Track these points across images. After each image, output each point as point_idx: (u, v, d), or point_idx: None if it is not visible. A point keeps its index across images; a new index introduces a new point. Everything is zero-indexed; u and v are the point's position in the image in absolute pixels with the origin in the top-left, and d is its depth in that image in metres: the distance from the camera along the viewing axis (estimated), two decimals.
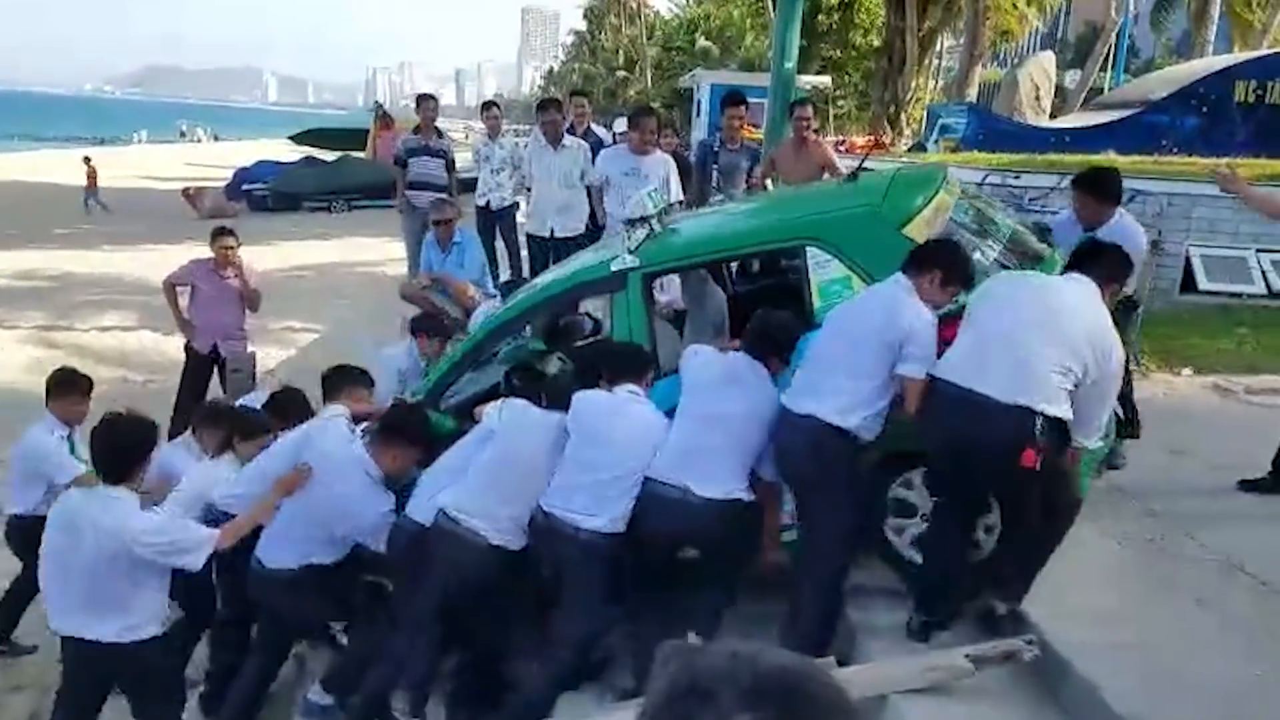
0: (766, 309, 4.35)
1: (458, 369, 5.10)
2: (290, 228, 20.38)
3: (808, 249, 4.42)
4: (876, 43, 29.63)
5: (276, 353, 9.50)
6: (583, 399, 4.26)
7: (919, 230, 4.26)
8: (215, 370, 7.40)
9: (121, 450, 3.82)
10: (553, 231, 8.55)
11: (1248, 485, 5.01)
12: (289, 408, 5.01)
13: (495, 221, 9.65)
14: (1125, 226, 4.99)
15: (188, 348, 7.46)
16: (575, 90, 11.02)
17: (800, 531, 4.13)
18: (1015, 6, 25.28)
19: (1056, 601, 3.90)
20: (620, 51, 56.57)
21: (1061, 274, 3.96)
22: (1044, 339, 3.58)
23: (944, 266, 3.90)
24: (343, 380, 4.95)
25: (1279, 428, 5.03)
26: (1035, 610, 3.87)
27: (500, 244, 9.87)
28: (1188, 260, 9.00)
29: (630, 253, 4.71)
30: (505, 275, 10.01)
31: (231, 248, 7.23)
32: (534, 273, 8.90)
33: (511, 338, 5.37)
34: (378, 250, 15.57)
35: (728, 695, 0.92)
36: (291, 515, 4.33)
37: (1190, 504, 4.76)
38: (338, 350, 8.43)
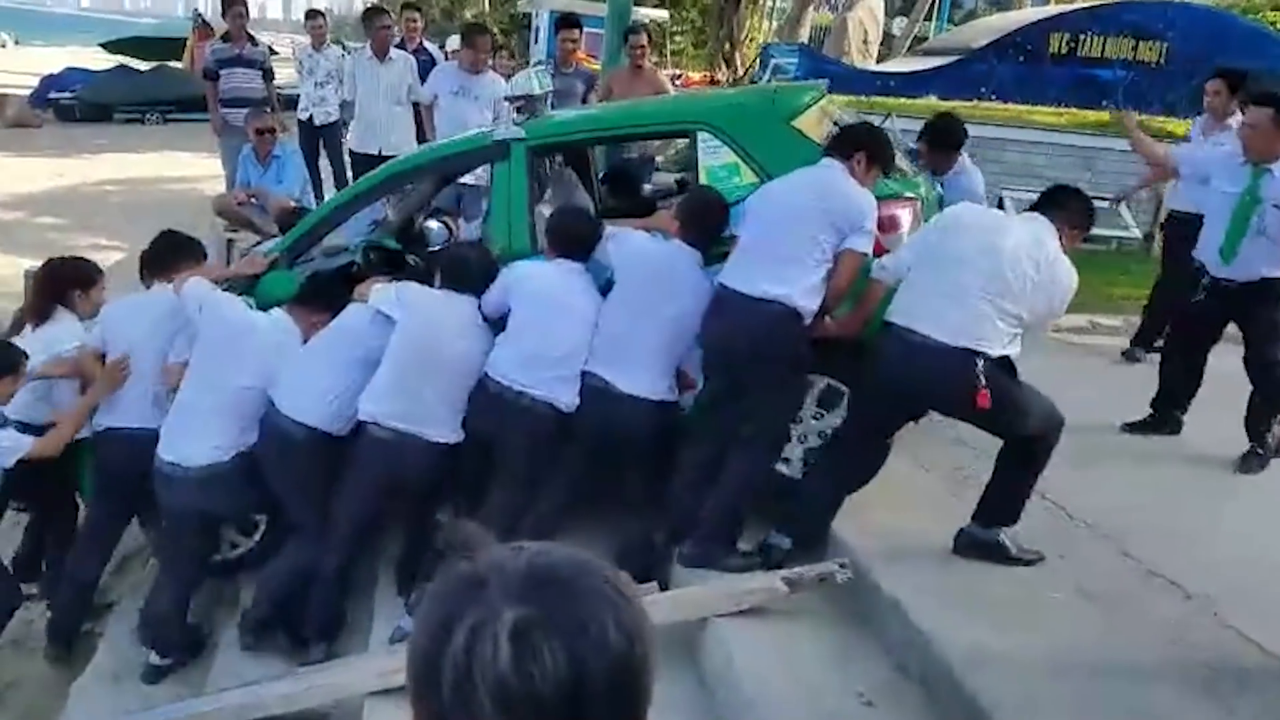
0: (696, 188, 4.34)
1: (314, 234, 4.90)
2: (99, 139, 19.07)
3: (699, 134, 4.43)
4: None
5: None
6: (530, 267, 4.19)
7: (809, 125, 4.35)
8: None
9: None
10: (380, 150, 8.21)
11: (1131, 427, 5.24)
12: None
13: (319, 137, 9.19)
14: (965, 173, 5.19)
15: None
16: (407, 3, 10.52)
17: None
18: None
19: (866, 526, 4.04)
20: None
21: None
22: (986, 282, 3.60)
23: (869, 148, 4.01)
24: (179, 253, 4.57)
25: (1090, 365, 5.29)
26: (846, 534, 4.01)
27: (325, 162, 9.43)
28: (1000, 202, 9.39)
29: (516, 124, 4.60)
30: (330, 195, 9.60)
31: None
32: None
33: (372, 225, 5.22)
34: (193, 166, 14.74)
35: (497, 585, 0.91)
36: (208, 400, 4.08)
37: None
38: None
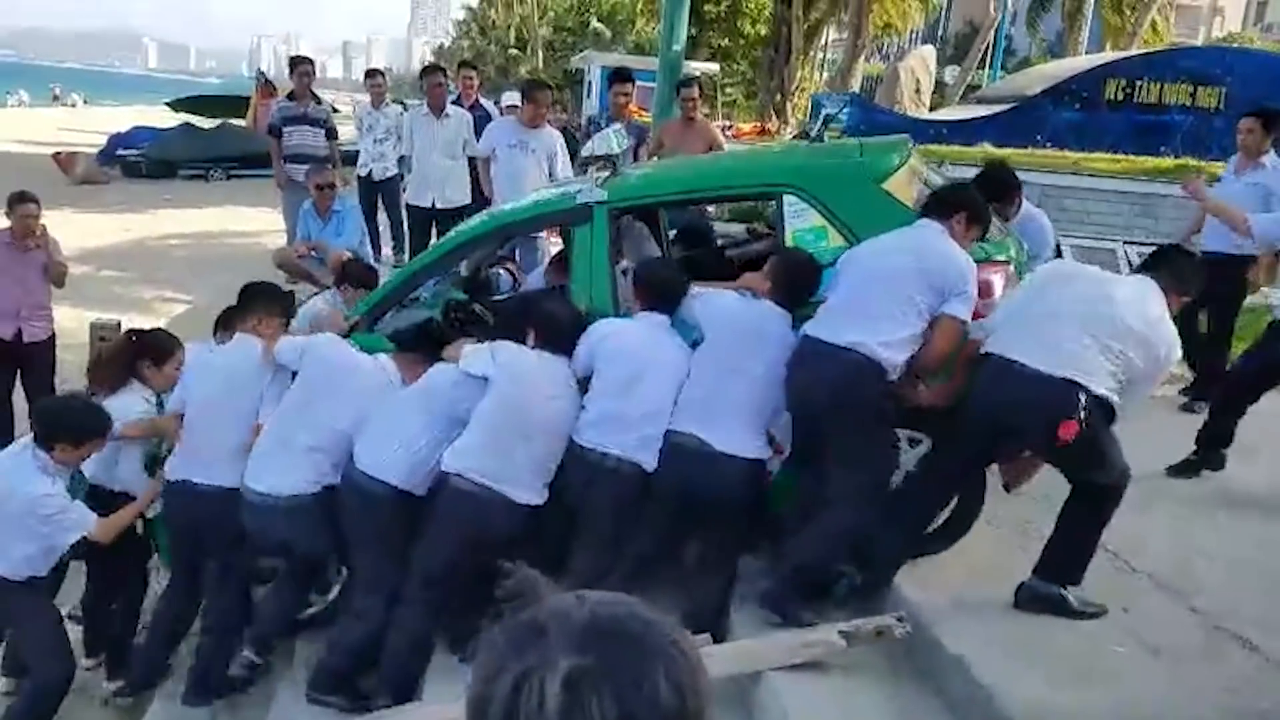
0: (788, 249, 4.26)
1: (398, 293, 4.93)
2: (164, 195, 19.56)
3: (784, 196, 4.36)
4: (764, 32, 29.89)
5: (147, 322, 9.05)
6: (612, 325, 4.17)
7: (899, 187, 4.26)
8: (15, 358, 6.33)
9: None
10: (434, 203, 8.37)
11: (1177, 470, 5.09)
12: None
13: (378, 192, 9.37)
14: (1033, 219, 5.29)
15: None
16: (463, 62, 10.75)
17: (808, 470, 4.03)
18: (897, 1, 25.80)
19: (925, 579, 3.97)
20: (511, 30, 55.93)
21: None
22: (1091, 323, 3.57)
23: (969, 209, 3.93)
24: (258, 301, 4.56)
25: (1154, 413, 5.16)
26: (906, 588, 3.94)
27: (383, 216, 9.60)
28: (1058, 250, 9.28)
29: (597, 185, 4.58)
30: (387, 249, 9.78)
31: (34, 216, 6.09)
32: (414, 245, 8.71)
33: (438, 278, 5.24)
34: (255, 220, 15.06)
35: (556, 634, 0.91)
36: (304, 438, 4.12)
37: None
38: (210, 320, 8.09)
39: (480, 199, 8.42)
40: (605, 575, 3.91)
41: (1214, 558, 4.22)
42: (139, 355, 4.65)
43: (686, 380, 4.03)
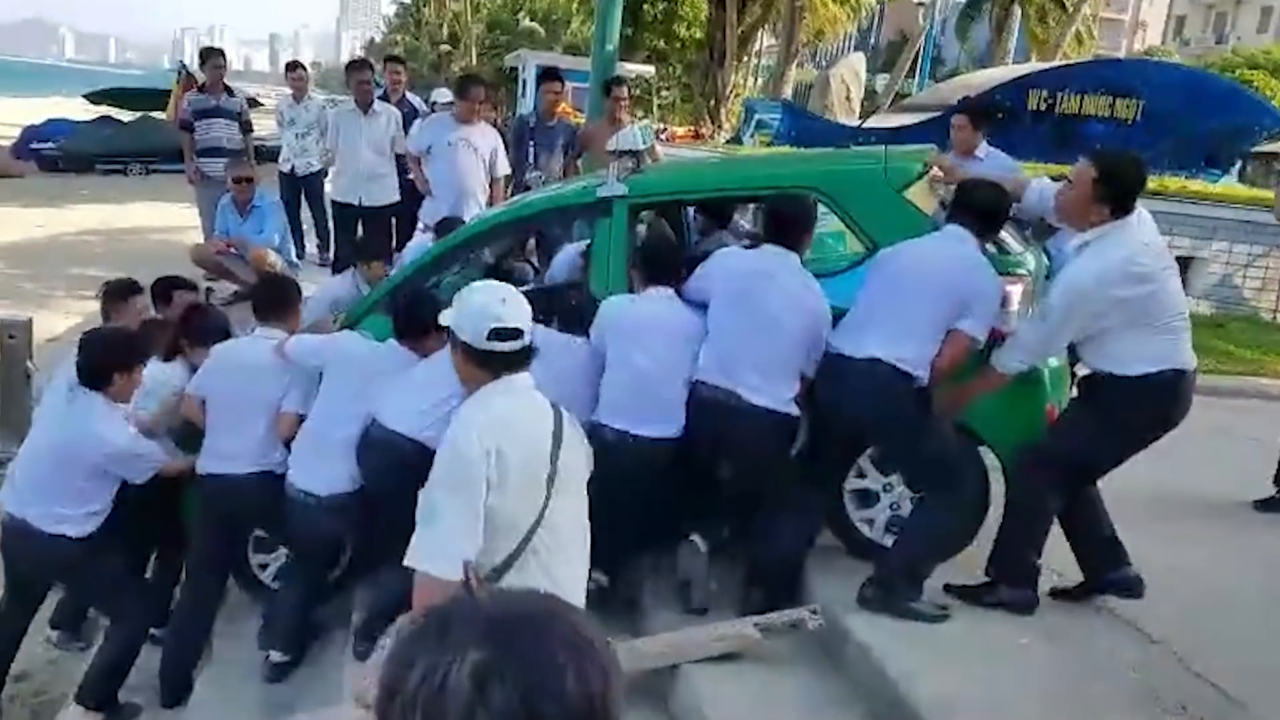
0: (778, 198, 4.27)
1: (414, 282, 4.90)
2: (81, 190, 19.12)
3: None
4: (699, 36, 30.02)
5: (62, 321, 8.81)
6: (617, 305, 4.17)
7: (919, 195, 4.26)
8: None
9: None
10: (360, 200, 8.24)
11: (1262, 505, 5.14)
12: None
13: (300, 187, 9.17)
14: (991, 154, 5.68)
15: None
16: (390, 56, 10.61)
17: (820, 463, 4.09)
18: (828, 8, 26.09)
19: (838, 573, 4.03)
20: (444, 26, 55.54)
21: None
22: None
23: (990, 213, 3.90)
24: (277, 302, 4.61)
25: None
26: (818, 581, 4.02)
27: (306, 212, 9.46)
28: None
29: (619, 180, 4.58)
30: (311, 245, 9.62)
31: None
32: (339, 243, 8.58)
33: (459, 266, 5.22)
34: (176, 216, 14.75)
35: (464, 627, 0.93)
36: (338, 432, 4.16)
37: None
38: None
39: (410, 198, 8.36)
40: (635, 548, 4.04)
41: None
42: (186, 332, 4.67)
43: (707, 339, 4.02)
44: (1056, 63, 21.41)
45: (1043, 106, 14.43)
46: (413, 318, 4.32)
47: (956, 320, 3.76)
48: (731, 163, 5.88)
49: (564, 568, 2.55)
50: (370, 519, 4.21)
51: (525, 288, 5.12)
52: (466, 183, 7.05)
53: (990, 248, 3.99)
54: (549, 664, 0.91)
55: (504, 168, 7.40)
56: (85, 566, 4.09)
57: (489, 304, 2.57)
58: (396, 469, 4.03)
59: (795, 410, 3.93)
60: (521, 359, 2.60)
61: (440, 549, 2.41)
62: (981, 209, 3.87)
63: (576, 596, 2.56)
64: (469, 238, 5.14)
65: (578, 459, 2.64)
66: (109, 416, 4.02)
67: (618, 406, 4.00)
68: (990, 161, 5.90)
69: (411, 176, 8.31)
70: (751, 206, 6.09)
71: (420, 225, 7.33)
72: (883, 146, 4.94)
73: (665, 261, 4.27)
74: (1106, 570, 3.86)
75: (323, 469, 4.17)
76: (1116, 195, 3.54)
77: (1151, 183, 11.06)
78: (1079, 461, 3.74)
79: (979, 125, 6.05)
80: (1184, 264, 10.34)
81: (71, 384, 4.04)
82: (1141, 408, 3.62)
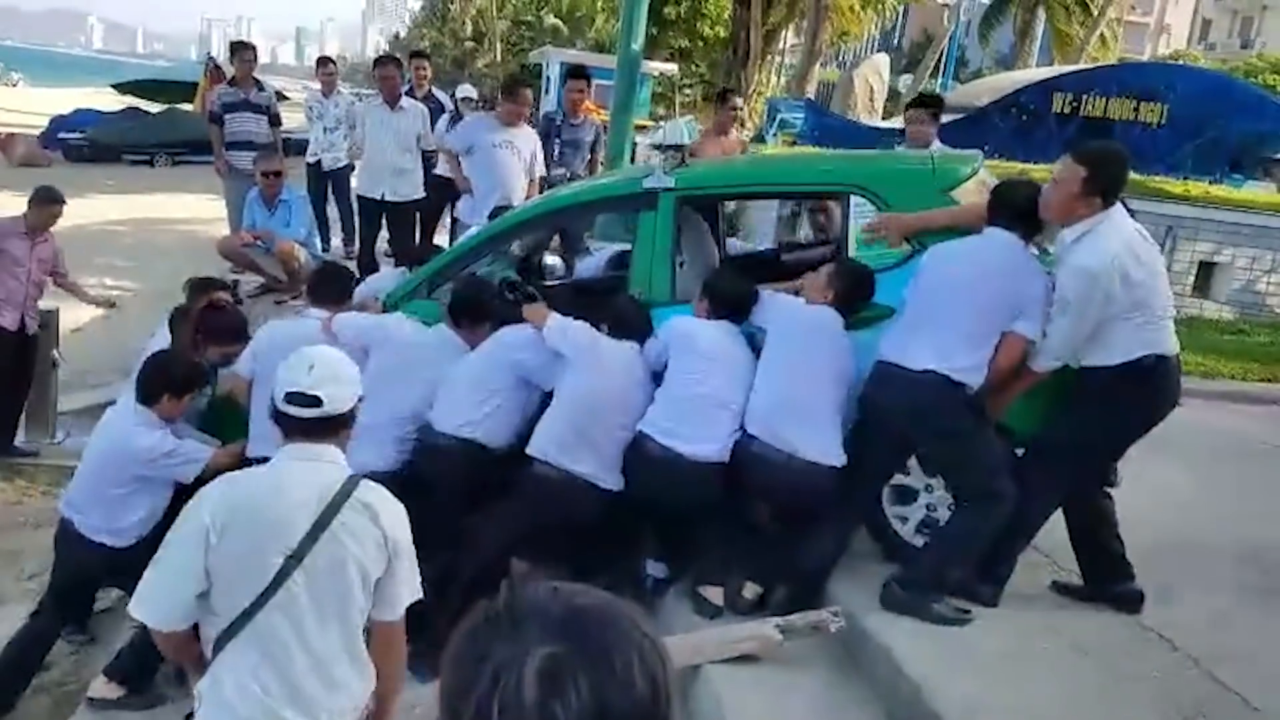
0: (848, 259, 4.26)
1: (458, 264, 4.97)
2: (107, 180, 19.23)
3: (852, 197, 4.38)
4: (723, 35, 30.00)
5: (88, 312, 8.89)
6: (691, 324, 4.21)
7: (966, 197, 4.26)
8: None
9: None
10: (384, 195, 8.29)
11: None
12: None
13: (327, 182, 9.26)
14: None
15: None
16: (416, 51, 10.67)
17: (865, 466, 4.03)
18: (853, 9, 26.02)
19: (859, 575, 4.04)
20: (469, 22, 55.71)
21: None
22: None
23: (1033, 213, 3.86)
24: (337, 283, 4.83)
25: None
26: (840, 584, 4.01)
27: (333, 206, 9.52)
28: None
29: (665, 173, 4.58)
30: (337, 239, 9.69)
31: (58, 218, 6.49)
32: (364, 237, 8.64)
33: (494, 256, 5.30)
34: (201, 207, 14.86)
35: (534, 625, 0.94)
36: (384, 414, 4.13)
37: None
38: (148, 313, 8.00)
39: (434, 193, 8.41)
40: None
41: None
42: (203, 330, 4.75)
43: (755, 384, 4.07)
44: (1081, 65, 21.30)
45: (1067, 109, 14.34)
46: (471, 302, 4.42)
47: (1011, 323, 3.75)
48: (778, 160, 5.87)
49: (297, 652, 2.46)
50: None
51: (557, 281, 5.19)
52: (508, 182, 7.10)
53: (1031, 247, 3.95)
54: (619, 658, 0.93)
55: (541, 169, 7.46)
56: (128, 571, 4.13)
57: (296, 368, 2.56)
58: (445, 470, 4.15)
59: (844, 459, 3.93)
60: (318, 427, 2.56)
61: (150, 597, 2.52)
62: (1022, 208, 3.84)
63: (306, 685, 2.48)
64: (512, 226, 5.18)
65: (358, 543, 2.48)
66: (140, 422, 4.08)
67: (669, 424, 4.04)
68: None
69: (437, 171, 8.39)
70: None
71: (457, 220, 7.54)
72: (929, 152, 4.96)
73: (740, 300, 4.26)
74: (1110, 583, 3.90)
75: (367, 451, 4.03)
76: (1106, 187, 3.62)
77: (1175, 187, 11.08)
78: (1073, 453, 3.77)
79: (935, 119, 6.26)
80: (1207, 269, 10.31)
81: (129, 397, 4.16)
82: (1132, 394, 3.68)
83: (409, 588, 2.61)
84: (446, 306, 4.62)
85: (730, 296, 4.27)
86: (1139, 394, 3.68)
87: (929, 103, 6.56)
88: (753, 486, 4.08)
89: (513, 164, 7.22)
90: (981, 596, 3.84)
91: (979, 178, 4.47)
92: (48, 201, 6.37)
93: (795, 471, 3.89)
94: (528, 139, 7.40)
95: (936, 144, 6.16)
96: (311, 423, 2.54)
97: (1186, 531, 4.66)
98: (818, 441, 3.91)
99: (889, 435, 4.00)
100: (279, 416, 2.56)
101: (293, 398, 2.52)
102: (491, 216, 6.11)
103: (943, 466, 4.07)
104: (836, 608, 3.72)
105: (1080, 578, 4.01)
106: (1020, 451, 3.98)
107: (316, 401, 2.52)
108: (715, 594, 4.05)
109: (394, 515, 2.58)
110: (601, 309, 4.37)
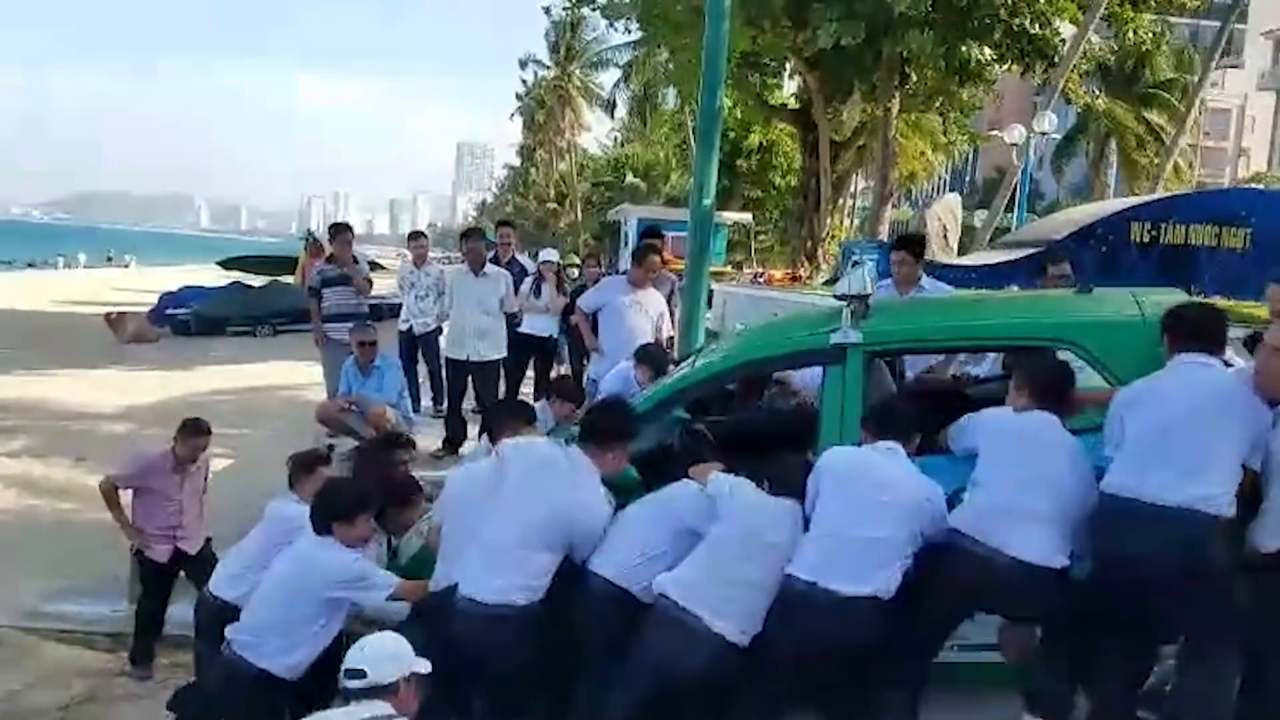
0: (1030, 358, 4.21)
1: (661, 409, 4.92)
2: (211, 352, 20.09)
3: (1058, 352, 4.26)
4: (794, 183, 30.74)
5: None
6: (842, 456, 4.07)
7: None
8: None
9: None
10: (469, 356, 8.70)
11: None
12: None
13: (418, 345, 9.85)
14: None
15: (139, 555, 6.15)
16: (502, 220, 11.29)
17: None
18: (922, 154, 26.51)
19: None
20: (551, 186, 57.93)
21: None
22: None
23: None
24: (510, 416, 4.94)
25: None
26: None
27: (422, 367, 10.00)
28: None
29: (852, 327, 4.47)
30: (427, 400, 10.10)
31: (206, 448, 6.29)
32: (451, 395, 8.99)
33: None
34: (301, 374, 15.40)
35: None
36: (513, 535, 4.07)
37: None
38: (249, 477, 8.29)
39: (514, 351, 8.89)
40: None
41: None
42: (385, 497, 4.90)
43: (971, 490, 3.93)
44: (1157, 194, 21.25)
45: (1146, 238, 14.28)
46: (607, 421, 4.41)
47: (1250, 456, 3.55)
48: (972, 307, 5.75)
49: None
50: (530, 643, 4.03)
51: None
52: (637, 341, 7.34)
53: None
54: None
55: (669, 329, 7.82)
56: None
57: (354, 649, 3.36)
58: (605, 617, 4.07)
59: (1066, 562, 3.73)
60: (362, 694, 3.24)
61: None
62: (1214, 331, 3.77)
63: None
64: (703, 380, 5.14)
65: None
66: (328, 544, 4.29)
67: (815, 560, 3.84)
68: (934, 291, 6.21)
69: (521, 330, 8.80)
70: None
71: (587, 381, 7.93)
72: (1129, 290, 4.78)
73: (899, 418, 4.13)
74: None
75: (491, 574, 4.01)
76: None
77: (1262, 310, 10.86)
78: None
79: (919, 257, 6.32)
80: None
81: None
82: None
83: None
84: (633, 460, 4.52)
85: (888, 415, 4.14)
86: None
87: (909, 244, 6.61)
88: (958, 586, 3.89)
89: (640, 323, 7.55)
90: None
91: None
92: (195, 433, 6.20)
93: (1013, 571, 3.72)
94: (654, 301, 7.76)
95: (926, 280, 6.22)
96: (358, 691, 3.25)
97: None
98: (1040, 544, 3.72)
99: (1141, 593, 3.70)
100: (339, 687, 3.30)
101: (347, 672, 3.28)
102: (638, 354, 6.20)
103: (1190, 631, 3.71)
104: None
105: None
106: None
107: (361, 674, 3.26)
108: None
109: None
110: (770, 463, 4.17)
